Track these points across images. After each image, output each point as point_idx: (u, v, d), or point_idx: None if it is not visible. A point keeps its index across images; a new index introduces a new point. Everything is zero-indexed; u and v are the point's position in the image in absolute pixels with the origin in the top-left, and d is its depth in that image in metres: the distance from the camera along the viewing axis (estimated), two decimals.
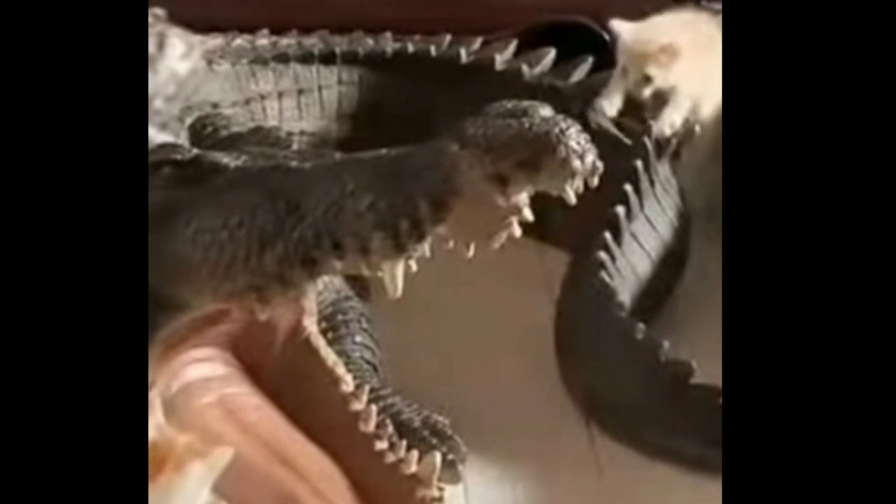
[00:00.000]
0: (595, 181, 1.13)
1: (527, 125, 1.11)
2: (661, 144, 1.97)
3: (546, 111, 1.14)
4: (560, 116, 1.13)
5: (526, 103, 1.14)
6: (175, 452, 1.23)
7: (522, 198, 1.15)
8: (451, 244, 1.19)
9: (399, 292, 1.18)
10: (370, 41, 2.31)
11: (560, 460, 1.67)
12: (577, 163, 1.10)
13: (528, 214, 1.17)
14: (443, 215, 1.12)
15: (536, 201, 1.17)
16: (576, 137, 1.11)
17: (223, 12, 2.05)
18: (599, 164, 1.13)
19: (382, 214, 1.14)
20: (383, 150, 1.19)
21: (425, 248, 1.15)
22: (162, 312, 1.25)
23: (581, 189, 1.13)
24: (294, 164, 1.24)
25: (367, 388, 1.41)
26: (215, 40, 2.20)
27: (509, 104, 1.14)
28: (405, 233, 1.13)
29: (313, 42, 2.28)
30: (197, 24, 2.14)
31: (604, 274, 1.76)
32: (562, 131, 1.11)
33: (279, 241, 1.19)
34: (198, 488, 1.21)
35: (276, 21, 2.32)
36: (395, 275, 1.17)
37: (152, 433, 1.26)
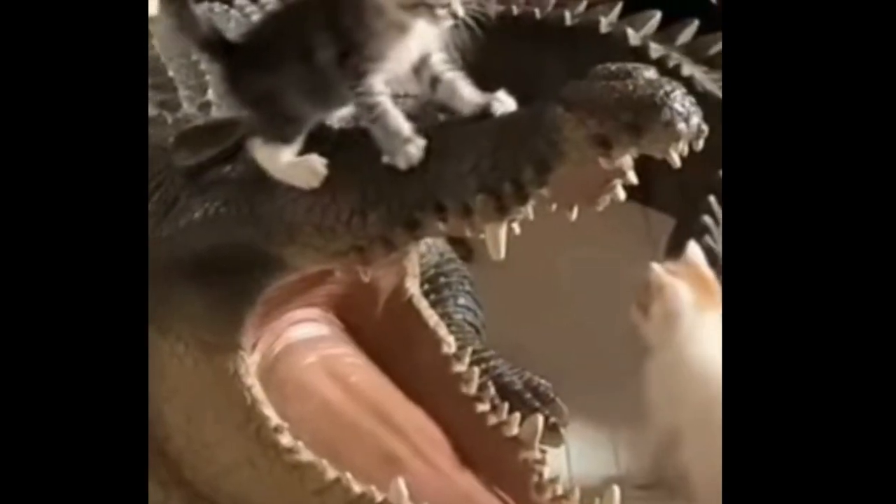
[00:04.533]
0: (700, 144, 1.12)
1: (631, 87, 1.10)
2: None
3: (651, 73, 1.13)
4: (665, 79, 1.12)
5: (630, 65, 1.13)
6: None
7: (626, 161, 1.14)
8: (553, 207, 1.18)
9: (502, 254, 1.17)
10: (474, 4, 2.29)
11: None
12: (681, 125, 1.09)
13: (633, 177, 1.16)
14: (546, 178, 1.12)
15: (641, 165, 1.16)
16: (681, 100, 1.10)
17: None
18: (705, 128, 1.11)
19: (485, 177, 1.14)
20: None
21: (528, 210, 1.15)
22: (265, 272, 1.26)
23: (686, 152, 1.11)
24: None
25: (469, 349, 1.42)
26: None
27: (613, 66, 1.13)
28: (508, 195, 1.13)
29: None
30: None
31: (708, 238, 1.74)
32: (666, 94, 1.09)
33: (382, 203, 1.19)
34: None
35: None
36: (499, 237, 1.17)
37: None
